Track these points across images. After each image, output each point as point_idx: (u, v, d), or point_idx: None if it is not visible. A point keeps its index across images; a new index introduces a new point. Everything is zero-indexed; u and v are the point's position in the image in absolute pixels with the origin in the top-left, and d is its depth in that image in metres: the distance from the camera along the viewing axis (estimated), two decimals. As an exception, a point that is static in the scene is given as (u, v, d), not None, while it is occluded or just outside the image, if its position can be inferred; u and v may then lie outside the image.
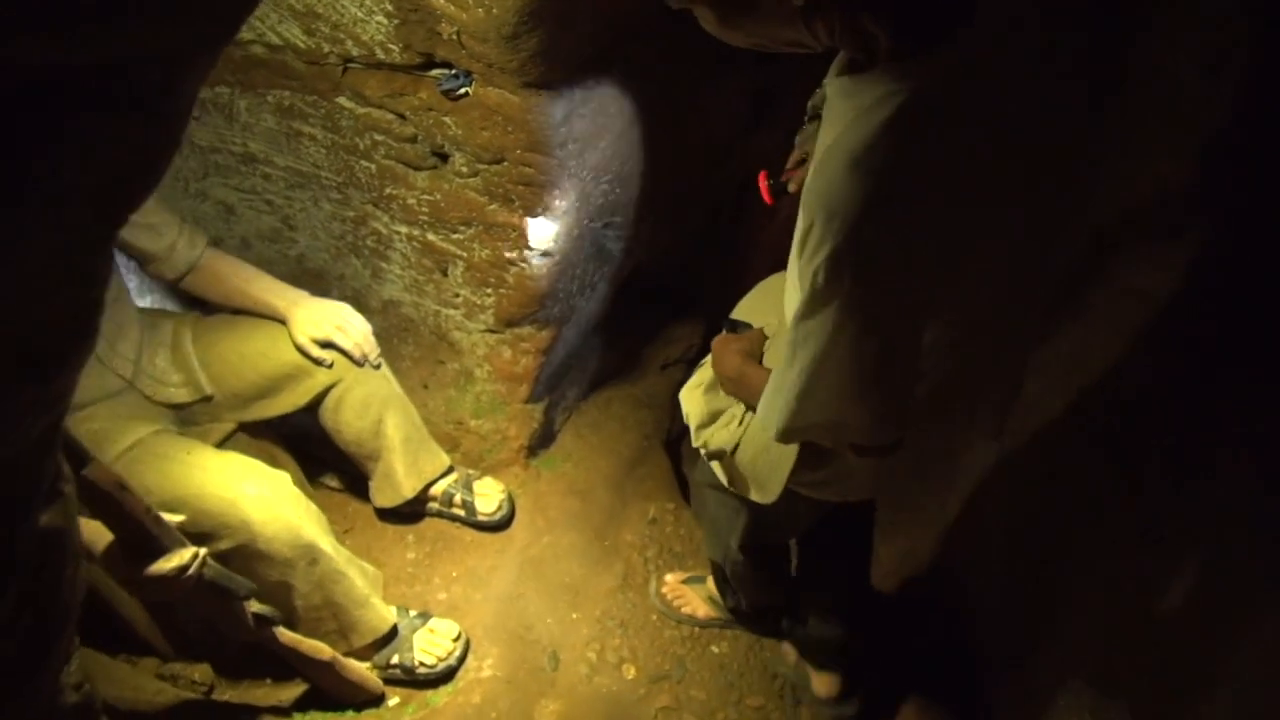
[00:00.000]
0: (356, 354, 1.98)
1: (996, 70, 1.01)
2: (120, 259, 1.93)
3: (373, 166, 1.96)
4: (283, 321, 1.98)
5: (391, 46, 1.66)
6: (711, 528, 2.01)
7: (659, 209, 2.25)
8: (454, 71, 1.67)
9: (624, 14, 1.69)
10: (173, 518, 1.52)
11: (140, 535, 1.41)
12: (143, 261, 1.94)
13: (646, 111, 1.97)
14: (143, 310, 2.01)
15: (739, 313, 1.66)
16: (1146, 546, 1.60)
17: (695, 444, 1.63)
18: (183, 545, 1.49)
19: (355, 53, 1.72)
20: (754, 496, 1.54)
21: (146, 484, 1.74)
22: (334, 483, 2.40)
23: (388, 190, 2.00)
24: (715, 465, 1.60)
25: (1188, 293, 1.57)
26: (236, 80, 1.91)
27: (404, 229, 2.07)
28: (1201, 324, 1.55)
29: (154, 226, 1.90)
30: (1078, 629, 1.79)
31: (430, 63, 1.68)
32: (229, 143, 2.08)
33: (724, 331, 1.57)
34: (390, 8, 1.60)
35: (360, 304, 2.28)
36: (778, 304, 1.36)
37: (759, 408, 1.25)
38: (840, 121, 1.04)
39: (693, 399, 1.65)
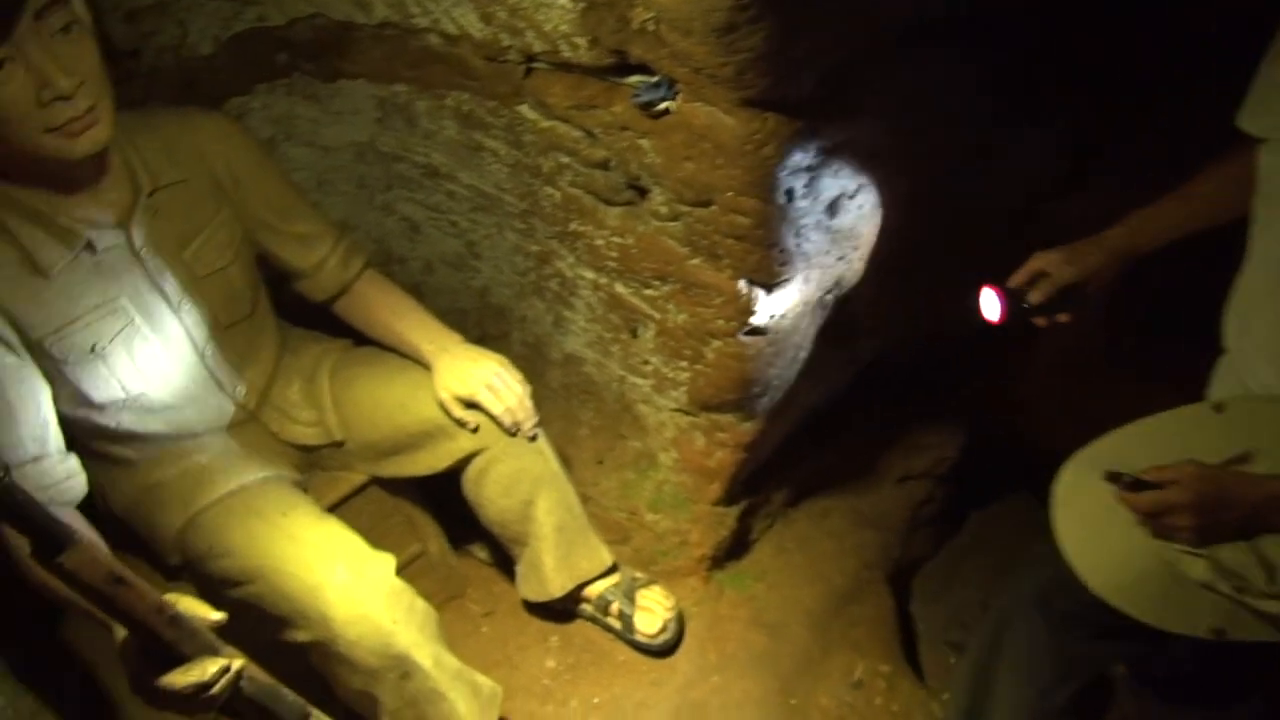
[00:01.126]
0: (506, 420, 1.59)
1: None
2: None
3: (557, 194, 1.58)
4: (424, 356, 1.64)
5: (577, 40, 1.26)
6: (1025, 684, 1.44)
7: (920, 286, 1.69)
8: (654, 79, 1.23)
9: (892, 14, 1.18)
10: (211, 615, 1.18)
11: (150, 638, 1.08)
12: (288, 277, 1.67)
13: (918, 155, 1.43)
14: (289, 331, 1.75)
15: (1116, 461, 1.10)
16: None
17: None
18: (212, 652, 1.14)
19: (538, 48, 1.33)
20: None
21: (230, 543, 1.44)
22: (483, 554, 2.05)
23: (573, 225, 1.60)
24: None
25: None
26: (413, 78, 1.59)
27: (589, 274, 1.67)
28: None
29: (304, 238, 1.62)
30: None
31: (624, 65, 1.26)
32: (412, 151, 1.78)
33: (1116, 489, 1.09)
34: (579, -12, 1.19)
35: (540, 354, 1.91)
36: (1186, 446, 1.07)
37: None
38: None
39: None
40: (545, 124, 1.45)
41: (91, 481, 1.49)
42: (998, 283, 1.32)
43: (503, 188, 1.67)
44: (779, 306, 1.46)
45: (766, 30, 1.05)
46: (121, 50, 1.56)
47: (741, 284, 1.42)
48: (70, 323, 1.34)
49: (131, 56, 1.58)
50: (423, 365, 1.64)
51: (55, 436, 1.38)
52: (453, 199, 1.82)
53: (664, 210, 1.41)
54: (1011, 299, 1.30)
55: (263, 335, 1.64)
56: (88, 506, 1.46)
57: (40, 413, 1.36)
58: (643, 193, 1.44)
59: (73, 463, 1.40)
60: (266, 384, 1.65)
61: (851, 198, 1.42)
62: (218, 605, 1.53)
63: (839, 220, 1.44)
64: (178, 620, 1.09)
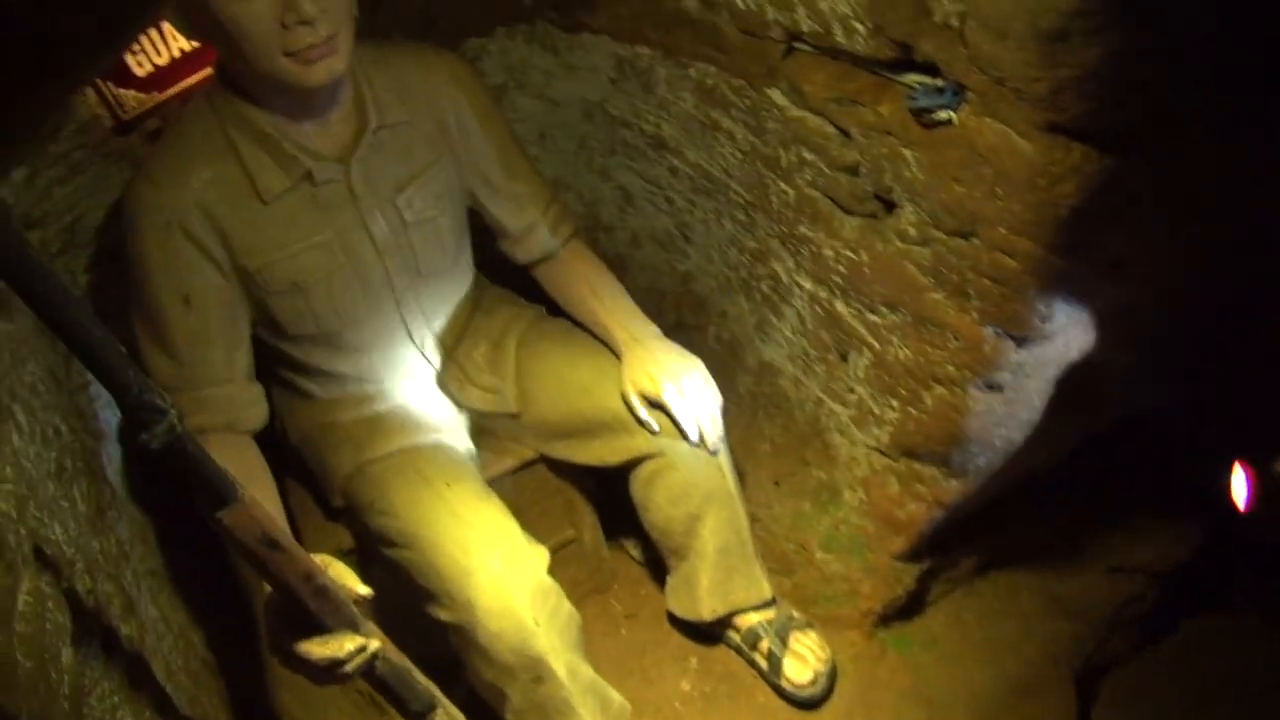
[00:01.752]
0: (689, 429, 1.46)
1: None
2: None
3: (791, 193, 1.41)
4: (614, 342, 1.53)
5: (857, 26, 1.08)
6: None
7: (1184, 358, 1.43)
8: (938, 83, 1.04)
9: (1240, 42, 0.93)
10: (358, 589, 1.13)
11: (294, 604, 1.03)
12: (494, 234, 1.60)
13: (1225, 211, 1.18)
14: (485, 289, 1.68)
15: None
16: None
17: None
18: (353, 628, 1.09)
19: (806, 27, 1.17)
20: None
21: (393, 502, 1.39)
22: (635, 551, 1.94)
23: (801, 229, 1.44)
24: None
25: None
26: (660, 41, 1.46)
27: (808, 284, 1.50)
28: None
29: (519, 198, 1.54)
30: None
31: (906, 62, 1.07)
32: (642, 119, 1.66)
33: None
34: (873, -34, 1.02)
35: (734, 355, 1.77)
36: None
37: None
38: None
39: None
40: (795, 113, 1.29)
41: (273, 408, 1.48)
42: (1257, 459, 1.01)
43: (731, 174, 1.53)
44: (1026, 364, 1.25)
45: (1105, 44, 0.84)
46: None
47: (988, 332, 1.21)
48: (279, 252, 1.31)
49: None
50: (614, 351, 1.53)
51: (246, 362, 1.37)
52: (674, 175, 1.69)
53: (912, 232, 1.22)
54: (1271, 486, 0.99)
55: (459, 290, 1.58)
56: (267, 432, 1.45)
57: (235, 337, 1.35)
58: (890, 207, 1.26)
59: (257, 390, 1.39)
60: (454, 341, 1.59)
61: (1148, 241, 1.19)
62: (370, 558, 1.51)
63: (1120, 279, 1.20)
64: (323, 591, 1.03)
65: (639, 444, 1.51)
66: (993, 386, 1.29)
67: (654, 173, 1.75)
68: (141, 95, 1.33)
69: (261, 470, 1.34)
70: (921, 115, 1.08)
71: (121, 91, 1.31)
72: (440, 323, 1.56)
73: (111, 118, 1.33)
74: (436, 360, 1.57)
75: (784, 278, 1.55)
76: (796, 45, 1.23)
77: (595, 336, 1.57)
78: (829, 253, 1.41)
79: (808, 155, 1.32)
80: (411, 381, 1.56)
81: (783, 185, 1.42)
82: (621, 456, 1.54)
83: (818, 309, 1.51)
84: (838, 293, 1.44)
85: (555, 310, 1.66)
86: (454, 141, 1.45)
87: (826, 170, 1.31)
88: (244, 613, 1.55)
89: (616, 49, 1.56)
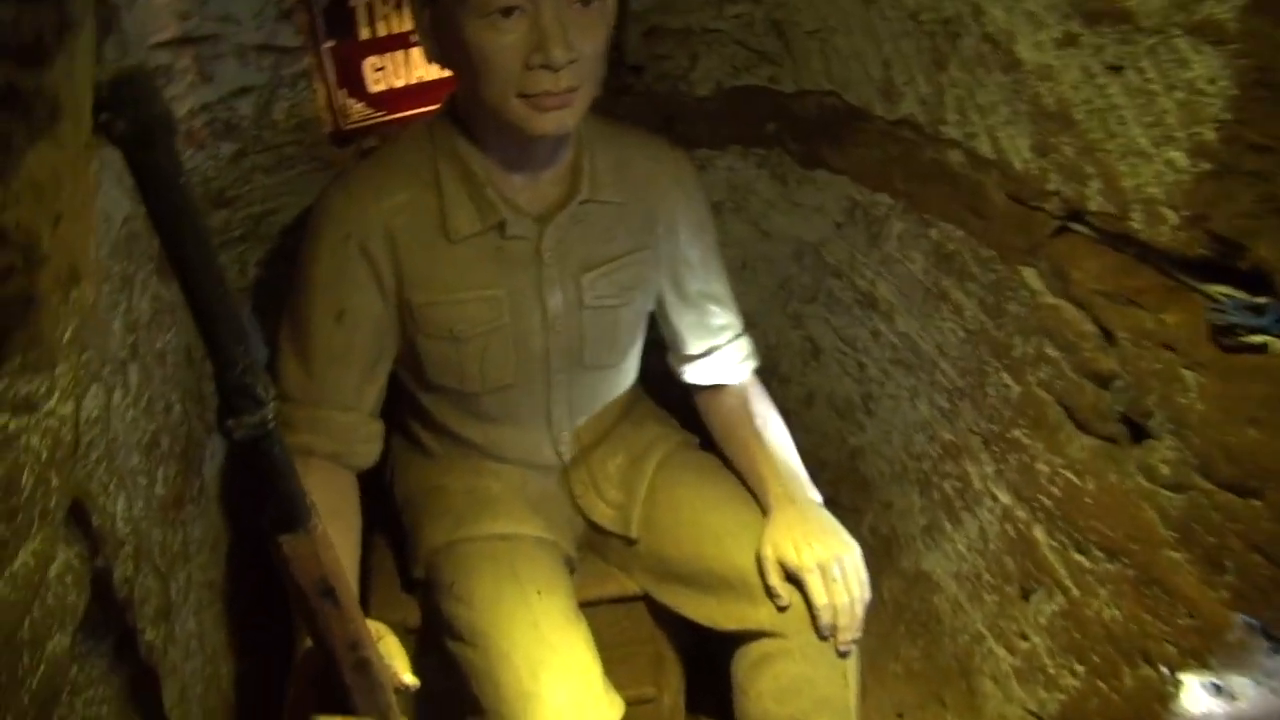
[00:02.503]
0: (823, 619, 1.24)
1: None
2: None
3: (1015, 389, 1.22)
4: (762, 499, 1.35)
5: (1168, 213, 0.91)
6: None
7: None
8: (1261, 300, 0.85)
9: None
10: (403, 677, 0.96)
11: (329, 668, 0.87)
12: (670, 346, 1.47)
13: None
14: (640, 399, 1.55)
15: None
16: None
17: None
18: (382, 718, 0.91)
19: (1094, 205, 1.00)
20: None
21: (473, 592, 1.23)
22: (714, 736, 1.68)
23: (1016, 433, 1.23)
24: None
25: None
26: (906, 192, 1.33)
27: (1005, 497, 1.28)
28: None
29: (706, 317, 1.42)
30: None
31: (1221, 266, 0.88)
32: (858, 272, 1.52)
33: None
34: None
35: (888, 554, 1.55)
36: None
37: None
38: None
39: None
40: (1049, 300, 1.11)
41: (388, 458, 1.38)
42: None
43: (945, 352, 1.35)
44: (1279, 676, 0.98)
45: None
46: (627, 62, 1.48)
47: (1238, 620, 0.96)
48: (447, 295, 1.23)
49: (633, 71, 1.49)
50: (762, 505, 1.34)
51: (374, 399, 1.28)
52: (875, 339, 1.53)
53: (1165, 471, 1.00)
54: None
55: (614, 392, 1.45)
56: (373, 482, 1.34)
57: (373, 369, 1.26)
58: (1141, 435, 1.04)
59: (376, 428, 1.28)
60: (593, 443, 1.45)
61: None
62: (429, 644, 1.35)
63: None
64: (365, 666, 0.87)
65: (760, 616, 1.30)
66: (1222, 690, 1.01)
67: (853, 332, 1.59)
68: (367, 110, 1.31)
69: (351, 512, 1.22)
70: (1224, 334, 0.88)
71: (350, 101, 1.29)
72: (584, 420, 1.43)
73: (332, 123, 1.31)
74: (568, 457, 1.43)
75: (975, 482, 1.33)
76: (1072, 225, 1.06)
77: (746, 484, 1.40)
78: (1043, 468, 1.19)
79: (1050, 351, 1.13)
80: (536, 471, 1.43)
81: (1006, 378, 1.23)
82: (735, 624, 1.33)
83: (1009, 529, 1.28)
84: (1040, 517, 1.21)
85: (708, 446, 1.50)
86: (658, 240, 1.35)
87: (1069, 373, 1.11)
88: (284, 666, 1.41)
89: (853, 191, 1.44)
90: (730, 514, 1.35)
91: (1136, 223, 0.95)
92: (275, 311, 1.28)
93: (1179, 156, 0.86)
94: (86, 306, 0.58)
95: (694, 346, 1.44)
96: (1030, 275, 1.13)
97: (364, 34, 1.24)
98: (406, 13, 1.25)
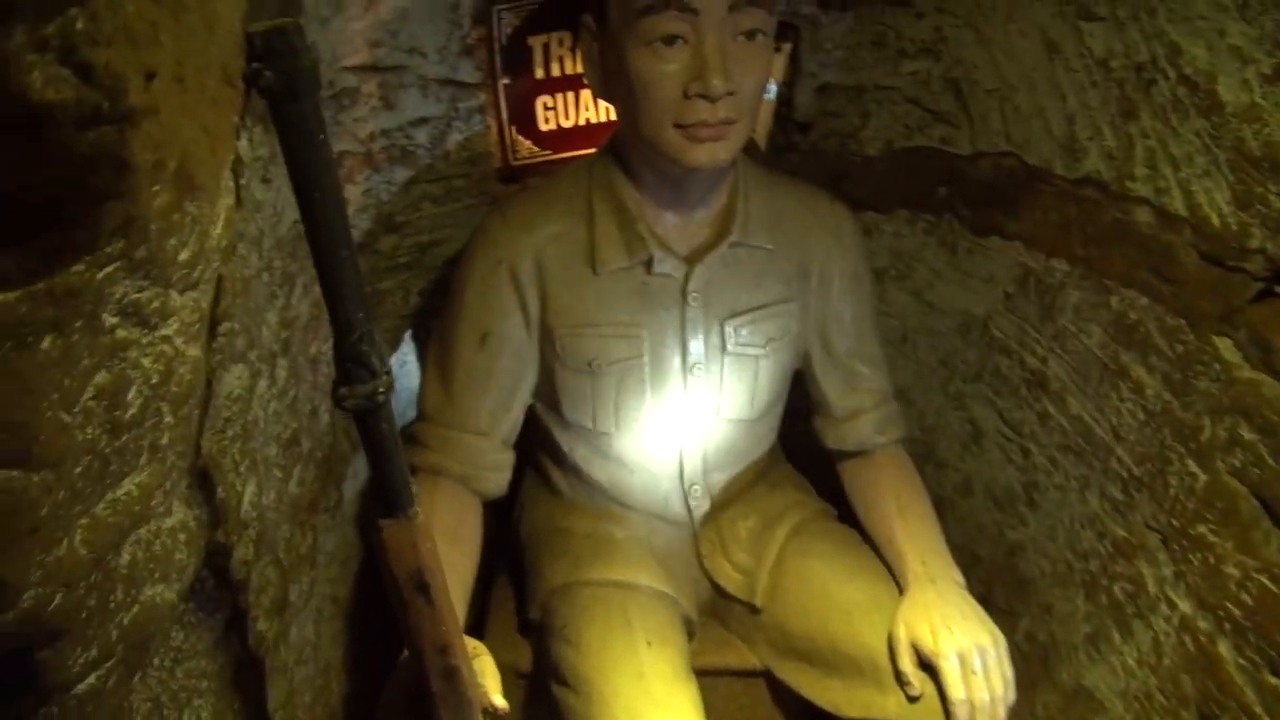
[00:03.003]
0: (958, 713, 1.11)
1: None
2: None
3: (1202, 478, 1.07)
4: (900, 578, 1.24)
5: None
6: None
7: None
8: None
9: None
10: (494, 698, 0.93)
11: (419, 674, 0.85)
12: (814, 407, 1.41)
13: None
14: (781, 464, 1.48)
15: None
16: None
17: None
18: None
19: (1307, 263, 0.88)
20: None
21: (583, 637, 1.20)
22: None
23: (1200, 529, 1.08)
24: None
25: None
26: (1084, 258, 1.22)
27: (1185, 605, 1.12)
28: None
29: (854, 377, 1.36)
30: None
31: None
32: (1028, 349, 1.41)
33: None
34: None
35: (1043, 663, 1.39)
36: None
37: None
38: None
39: None
40: (1247, 375, 0.98)
41: (519, 493, 1.38)
42: None
43: (1121, 436, 1.22)
44: None
45: None
46: (796, 119, 1.47)
47: None
48: (588, 326, 1.22)
49: (800, 129, 1.48)
50: (899, 583, 1.24)
51: (509, 427, 1.28)
52: (1043, 424, 1.40)
53: (1388, 582, 0.84)
54: None
55: (752, 452, 1.39)
56: (503, 513, 1.34)
57: (510, 397, 1.26)
58: (1357, 539, 0.88)
59: (507, 457, 1.28)
60: (725, 502, 1.39)
61: None
62: (539, 691, 1.31)
63: None
64: (454, 675, 0.84)
65: (887, 705, 1.18)
66: None
67: (1019, 415, 1.47)
68: (535, 148, 1.35)
69: (470, 538, 1.21)
70: None
71: (520, 138, 1.34)
72: (719, 476, 1.38)
73: (501, 159, 1.36)
74: (699, 513, 1.38)
75: (1151, 586, 1.18)
76: (1278, 288, 0.94)
77: (884, 560, 1.29)
78: (1233, 572, 1.03)
79: (1246, 434, 0.99)
80: (663, 523, 1.38)
81: (1192, 465, 1.08)
82: (860, 712, 1.21)
83: (1188, 642, 1.11)
84: (1227, 630, 1.05)
85: (848, 519, 1.41)
86: (810, 292, 1.30)
87: (1268, 459, 0.97)
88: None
89: (1026, 259, 1.35)
90: (863, 589, 1.26)
91: (1358, 282, 0.82)
92: (425, 340, 1.32)
93: None
94: (215, 240, 0.60)
95: (839, 409, 1.37)
96: (1225, 346, 1.01)
97: (539, 73, 1.29)
98: (579, 54, 1.29)
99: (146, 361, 0.54)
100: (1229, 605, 1.04)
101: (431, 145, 1.30)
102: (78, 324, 0.45)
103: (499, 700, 0.93)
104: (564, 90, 1.32)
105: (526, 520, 1.44)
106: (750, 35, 1.04)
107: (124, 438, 0.55)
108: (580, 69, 1.32)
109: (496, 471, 1.27)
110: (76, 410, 0.49)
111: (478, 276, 1.23)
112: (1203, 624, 1.09)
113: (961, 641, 1.12)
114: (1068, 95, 1.16)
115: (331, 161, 0.63)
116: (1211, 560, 1.07)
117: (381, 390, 0.70)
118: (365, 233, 1.32)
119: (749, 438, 1.38)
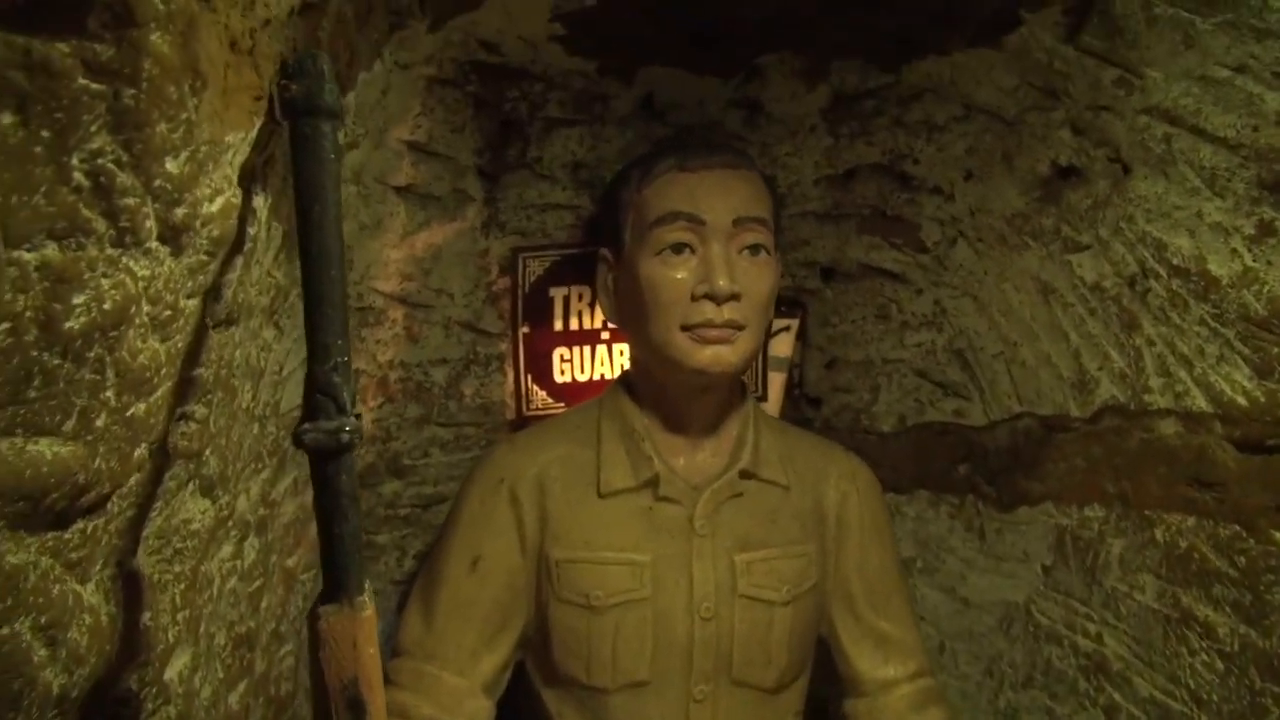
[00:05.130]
0: None
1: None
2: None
3: (1308, 717, 0.89)
4: None
5: None
6: None
7: None
8: None
9: None
10: None
11: None
12: (840, 679, 1.24)
13: None
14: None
15: None
16: None
17: None
18: None
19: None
20: None
21: None
22: None
23: (1326, 786, 0.87)
24: None
25: None
26: (1119, 494, 1.14)
27: None
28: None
29: (884, 641, 1.22)
30: None
31: None
32: (1078, 628, 1.26)
33: None
34: None
35: None
36: None
37: None
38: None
39: None
40: (1322, 564, 0.86)
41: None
42: None
43: (1202, 699, 1.04)
44: None
45: None
46: (807, 393, 1.49)
47: None
48: (587, 551, 1.14)
49: (812, 404, 1.50)
50: None
51: (494, 670, 1.14)
52: (1111, 721, 1.21)
53: None
54: None
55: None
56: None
57: (498, 630, 1.15)
58: None
59: (485, 706, 1.12)
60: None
61: None
62: None
63: None
64: None
65: None
66: None
67: (1083, 718, 1.27)
68: (549, 399, 1.37)
69: None
70: None
71: (535, 388, 1.36)
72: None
73: (515, 410, 1.37)
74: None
75: None
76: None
77: None
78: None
79: (1343, 637, 0.85)
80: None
81: (1293, 706, 0.91)
82: None
83: None
84: None
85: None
86: (828, 538, 1.22)
87: (1379, 662, 0.81)
88: None
89: (1058, 518, 1.27)
90: None
91: None
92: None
93: None
94: (210, 212, 0.59)
95: (869, 682, 1.20)
96: (1289, 540, 0.90)
97: (558, 325, 1.35)
98: (598, 310, 1.37)
99: (101, 271, 0.51)
100: None
101: (447, 386, 1.33)
102: (43, 116, 0.43)
103: None
104: (581, 344, 1.37)
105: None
106: (754, 250, 1.11)
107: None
108: (599, 325, 1.39)
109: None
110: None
111: (477, 497, 1.17)
112: None
113: None
114: (1069, 332, 1.18)
115: (338, 185, 0.65)
116: (1350, 827, 0.85)
117: (348, 430, 0.64)
118: (368, 467, 1.29)
119: (765, 717, 1.19)
